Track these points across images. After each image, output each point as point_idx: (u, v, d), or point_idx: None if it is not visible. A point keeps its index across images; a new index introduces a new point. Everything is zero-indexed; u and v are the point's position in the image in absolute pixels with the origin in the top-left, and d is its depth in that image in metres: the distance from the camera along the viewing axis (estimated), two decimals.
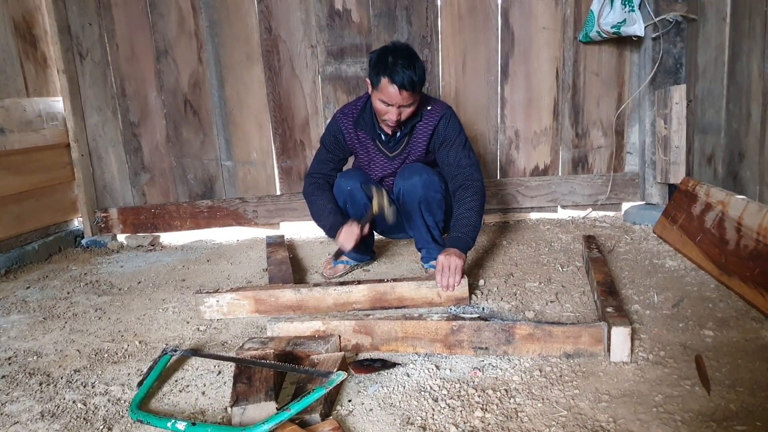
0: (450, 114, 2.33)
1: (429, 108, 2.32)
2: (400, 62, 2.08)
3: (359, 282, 2.14)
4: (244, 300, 2.13)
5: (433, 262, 2.31)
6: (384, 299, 2.10)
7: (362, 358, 1.76)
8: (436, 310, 2.07)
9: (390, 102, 2.13)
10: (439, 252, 2.13)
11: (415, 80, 2.09)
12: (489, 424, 1.37)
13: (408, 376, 1.62)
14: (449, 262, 2.02)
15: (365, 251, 2.61)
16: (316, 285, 2.15)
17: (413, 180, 2.26)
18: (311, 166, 2.52)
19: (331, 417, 1.42)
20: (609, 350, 1.64)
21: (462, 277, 2.04)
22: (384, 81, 2.10)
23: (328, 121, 2.58)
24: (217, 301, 2.13)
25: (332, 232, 2.33)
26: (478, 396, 1.50)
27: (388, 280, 2.13)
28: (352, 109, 2.42)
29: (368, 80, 2.22)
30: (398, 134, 2.34)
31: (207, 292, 2.15)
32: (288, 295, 2.11)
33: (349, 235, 2.24)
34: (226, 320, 2.13)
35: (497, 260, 2.64)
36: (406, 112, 2.19)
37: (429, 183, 2.26)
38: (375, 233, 2.64)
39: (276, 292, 2.12)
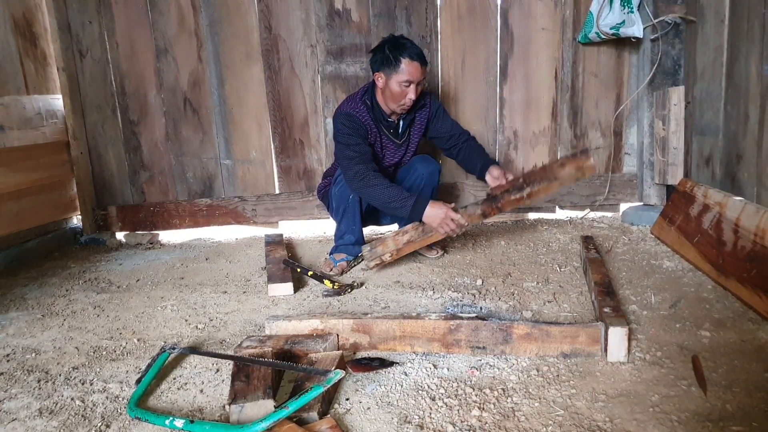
0: (429, 92, 2.76)
1: None
2: (409, 42, 2.42)
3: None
4: None
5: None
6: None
7: (360, 356, 1.77)
8: (434, 309, 2.08)
9: (412, 79, 2.38)
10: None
11: (424, 55, 2.43)
12: (486, 423, 1.38)
13: (406, 375, 1.63)
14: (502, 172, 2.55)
15: (359, 245, 2.64)
16: None
17: (430, 168, 2.62)
18: (348, 164, 2.43)
19: (328, 415, 1.42)
20: (606, 350, 1.65)
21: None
22: (405, 60, 2.37)
23: (333, 120, 2.57)
24: None
25: (416, 214, 2.35)
26: (476, 395, 1.50)
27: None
28: (359, 105, 2.51)
29: (379, 73, 2.44)
30: (401, 123, 2.60)
31: None
32: None
33: (447, 217, 2.32)
34: (225, 318, 2.13)
35: (495, 260, 2.65)
36: (419, 89, 2.45)
37: (438, 172, 2.67)
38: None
39: None
